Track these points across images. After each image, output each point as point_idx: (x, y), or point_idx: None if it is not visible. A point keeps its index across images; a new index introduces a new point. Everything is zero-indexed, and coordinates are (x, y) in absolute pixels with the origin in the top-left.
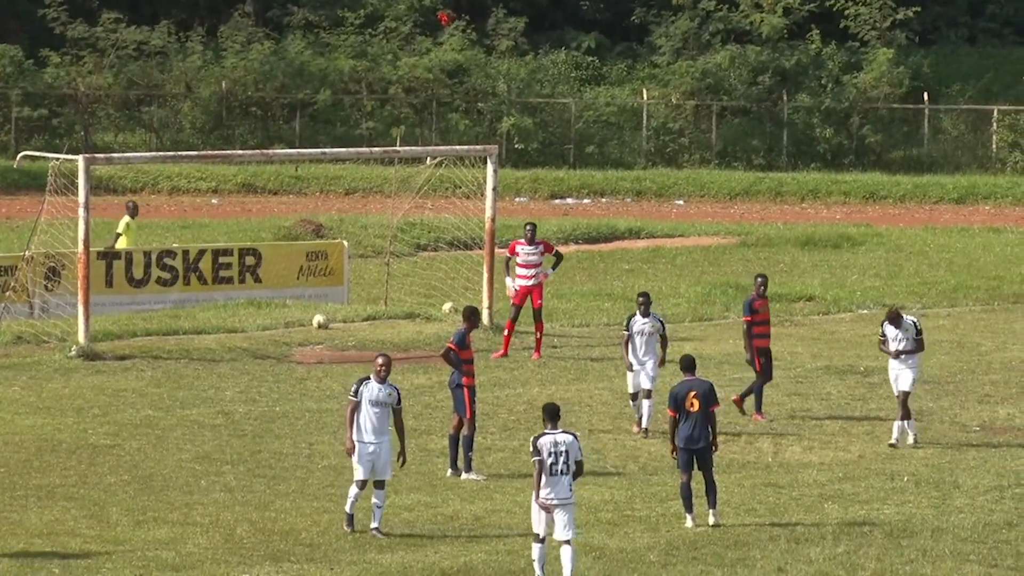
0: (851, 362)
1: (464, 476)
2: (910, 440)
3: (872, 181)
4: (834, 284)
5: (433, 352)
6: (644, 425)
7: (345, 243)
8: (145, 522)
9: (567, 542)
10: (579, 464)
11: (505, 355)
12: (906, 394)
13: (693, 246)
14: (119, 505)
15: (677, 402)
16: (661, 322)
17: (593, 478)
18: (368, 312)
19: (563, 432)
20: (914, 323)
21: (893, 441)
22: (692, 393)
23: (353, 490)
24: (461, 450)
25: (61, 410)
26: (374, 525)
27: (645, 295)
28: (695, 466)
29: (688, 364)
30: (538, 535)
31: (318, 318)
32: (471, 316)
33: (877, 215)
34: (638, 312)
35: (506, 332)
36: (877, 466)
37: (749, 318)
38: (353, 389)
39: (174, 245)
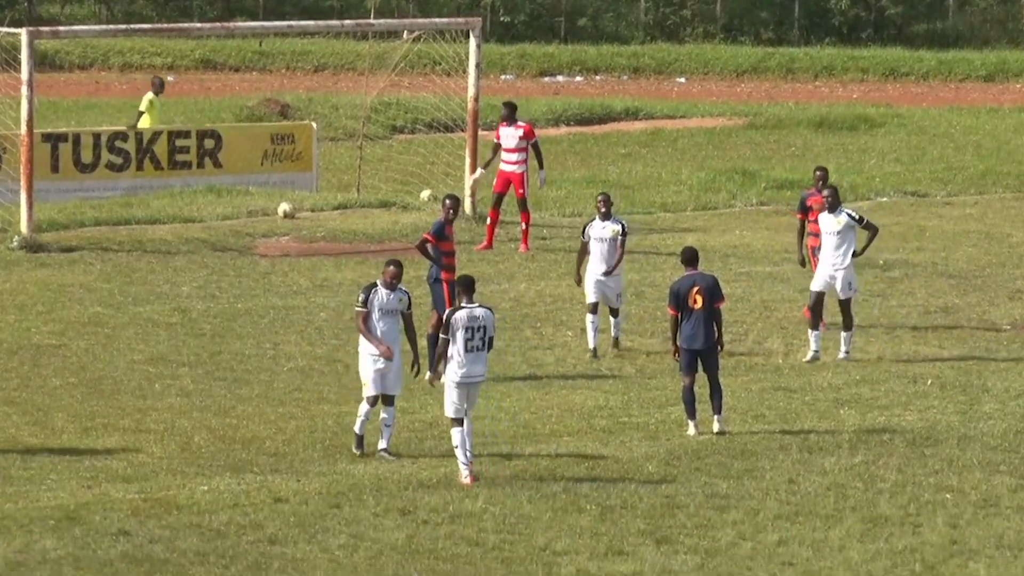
0: (869, 255)
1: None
2: (841, 354)
3: (892, 57)
4: (851, 170)
5: (410, 244)
6: (614, 334)
7: (314, 125)
8: (93, 429)
9: (468, 415)
10: (491, 340)
11: (489, 247)
12: (847, 300)
13: (696, 128)
14: (65, 411)
15: (679, 299)
16: (622, 225)
17: (586, 382)
18: (339, 200)
19: (480, 306)
20: (849, 215)
21: (841, 356)
22: (695, 289)
23: (363, 408)
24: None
25: (1, 307)
26: (382, 445)
27: (605, 196)
28: (698, 368)
29: (690, 257)
30: (459, 419)
31: (284, 207)
32: (451, 205)
33: (898, 94)
34: (597, 216)
35: (488, 222)
36: (898, 368)
37: (802, 215)
38: (361, 299)
39: (125, 127)
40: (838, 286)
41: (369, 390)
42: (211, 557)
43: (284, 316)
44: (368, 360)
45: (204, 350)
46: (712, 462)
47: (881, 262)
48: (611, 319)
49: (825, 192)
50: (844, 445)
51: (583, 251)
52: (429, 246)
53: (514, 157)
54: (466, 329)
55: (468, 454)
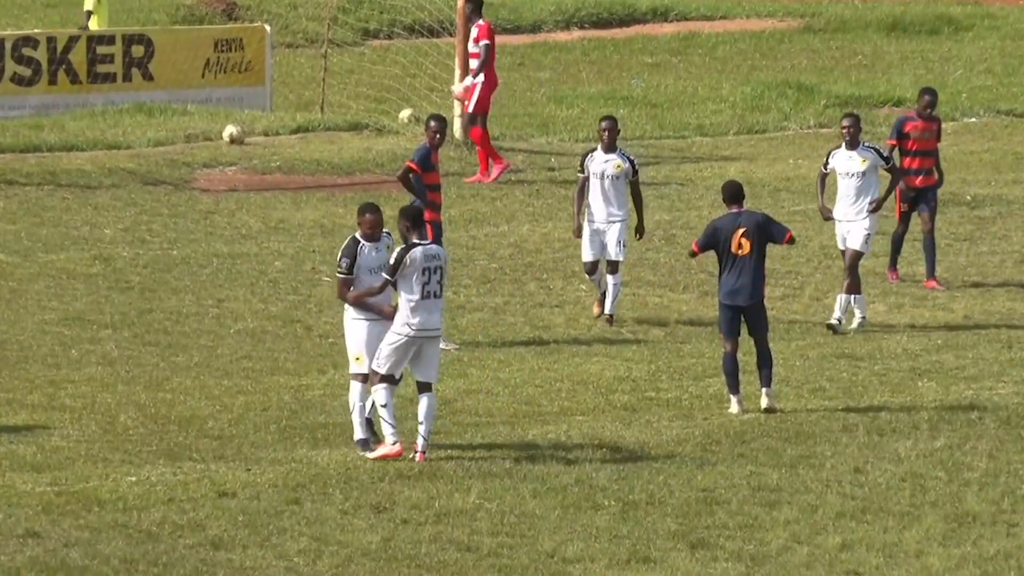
0: (954, 189)
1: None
2: (855, 322)
3: None
4: (931, 83)
5: (387, 176)
6: (608, 310)
7: (267, 28)
8: None
9: (428, 388)
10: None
11: (487, 178)
12: (857, 255)
13: (740, 32)
14: None
15: (716, 240)
16: (632, 162)
17: (604, 348)
18: (298, 122)
19: (432, 242)
20: (875, 150)
21: (833, 321)
22: (740, 231)
23: (355, 391)
24: None
25: None
26: (421, 448)
27: (611, 121)
28: (743, 331)
29: (733, 193)
30: (392, 375)
31: (230, 130)
32: (437, 128)
33: None
34: (599, 146)
35: (479, 148)
36: (990, 332)
37: (894, 141)
38: (345, 264)
39: (35, 30)
40: (853, 242)
41: (359, 364)
42: (140, 564)
43: (230, 266)
44: (361, 327)
45: (132, 308)
46: (759, 447)
47: (969, 198)
48: (607, 280)
49: (845, 121)
50: (923, 426)
51: (581, 190)
52: (413, 177)
53: (472, 64)
54: (423, 271)
55: (425, 433)
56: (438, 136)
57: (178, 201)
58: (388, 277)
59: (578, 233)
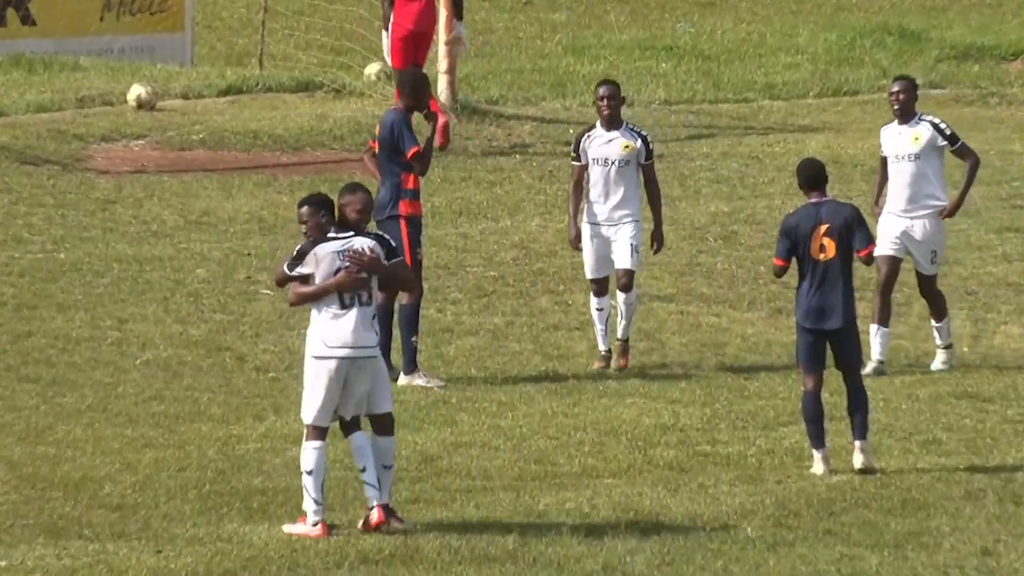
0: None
1: (404, 381)
2: (937, 361)
3: None
4: None
5: (349, 153)
6: (621, 335)
7: None
8: None
9: (385, 426)
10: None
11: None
12: (930, 279)
13: None
14: None
15: (795, 244)
16: (644, 140)
17: (641, 385)
18: (229, 80)
19: (361, 235)
20: (934, 125)
21: (937, 363)
22: (823, 228)
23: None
24: (400, 333)
25: None
26: (375, 503)
27: (609, 86)
28: (829, 362)
29: (813, 175)
30: (319, 426)
31: (138, 91)
32: (415, 87)
33: None
34: (598, 122)
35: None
36: None
37: None
38: (287, 263)
39: None
40: (915, 251)
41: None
42: None
43: (137, 274)
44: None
45: (2, 331)
46: (853, 520)
47: None
48: (618, 298)
49: (895, 86)
50: None
51: (579, 183)
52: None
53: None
54: (339, 271)
55: (374, 492)
56: (418, 100)
57: (67, 186)
58: (287, 271)
59: (577, 242)
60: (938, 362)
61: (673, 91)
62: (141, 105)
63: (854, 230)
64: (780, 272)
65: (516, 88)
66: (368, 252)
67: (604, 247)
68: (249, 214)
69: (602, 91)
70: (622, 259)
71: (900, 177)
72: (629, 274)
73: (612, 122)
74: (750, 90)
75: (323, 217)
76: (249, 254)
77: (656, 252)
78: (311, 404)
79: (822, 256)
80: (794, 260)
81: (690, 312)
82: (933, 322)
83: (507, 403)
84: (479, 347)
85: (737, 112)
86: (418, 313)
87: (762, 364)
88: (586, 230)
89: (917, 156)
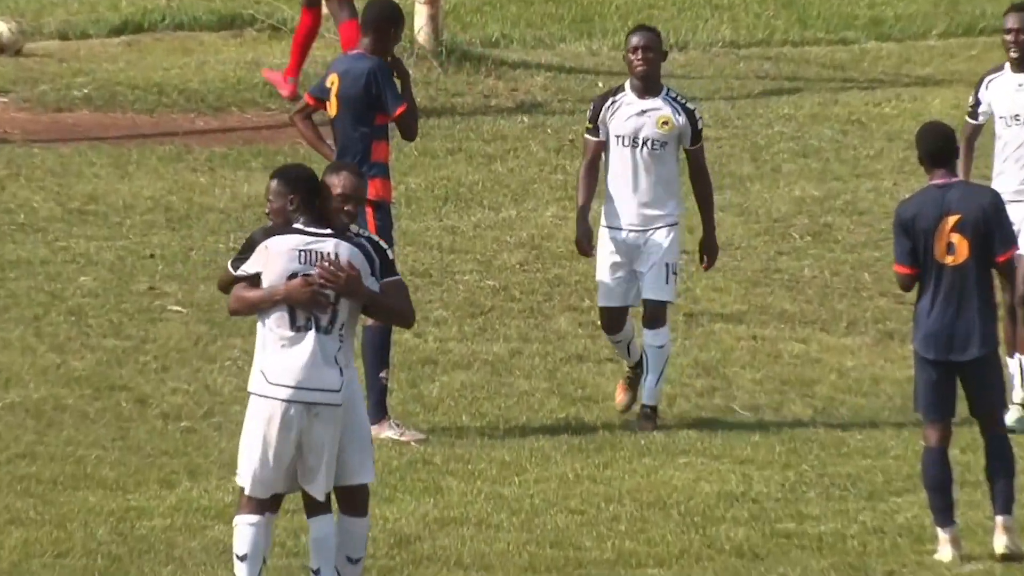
0: None
1: (375, 433)
2: (1015, 404)
3: None
4: None
5: (283, 113)
6: (646, 400)
7: None
8: None
9: (352, 502)
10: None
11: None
12: None
13: None
14: None
15: (913, 243)
16: (690, 114)
17: (697, 438)
18: (124, 14)
19: (344, 237)
20: None
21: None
22: (952, 219)
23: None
24: (362, 366)
25: None
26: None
27: (646, 33)
28: (958, 407)
29: (938, 147)
30: (254, 496)
31: None
32: (391, 22)
33: None
34: (627, 82)
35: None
36: None
37: None
38: (232, 259)
39: None
40: None
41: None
42: None
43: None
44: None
45: None
46: None
47: None
48: (643, 335)
49: (1010, 20)
50: None
51: (592, 166)
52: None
53: None
54: (292, 276)
55: None
56: (386, 37)
57: None
58: (230, 269)
59: (586, 245)
60: (1010, 418)
61: (743, 29)
62: (2, 49)
63: (991, 227)
64: (907, 283)
65: (524, 25)
66: (344, 263)
67: (626, 263)
68: (152, 200)
69: (635, 40)
70: (652, 286)
71: (1015, 145)
72: (660, 307)
73: (647, 85)
74: (849, 27)
75: (293, 202)
76: (152, 255)
77: (707, 267)
78: (245, 462)
79: (949, 259)
80: None
81: (766, 337)
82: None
83: (512, 464)
84: (473, 385)
85: (831, 58)
86: (389, 339)
87: (866, 409)
88: (603, 237)
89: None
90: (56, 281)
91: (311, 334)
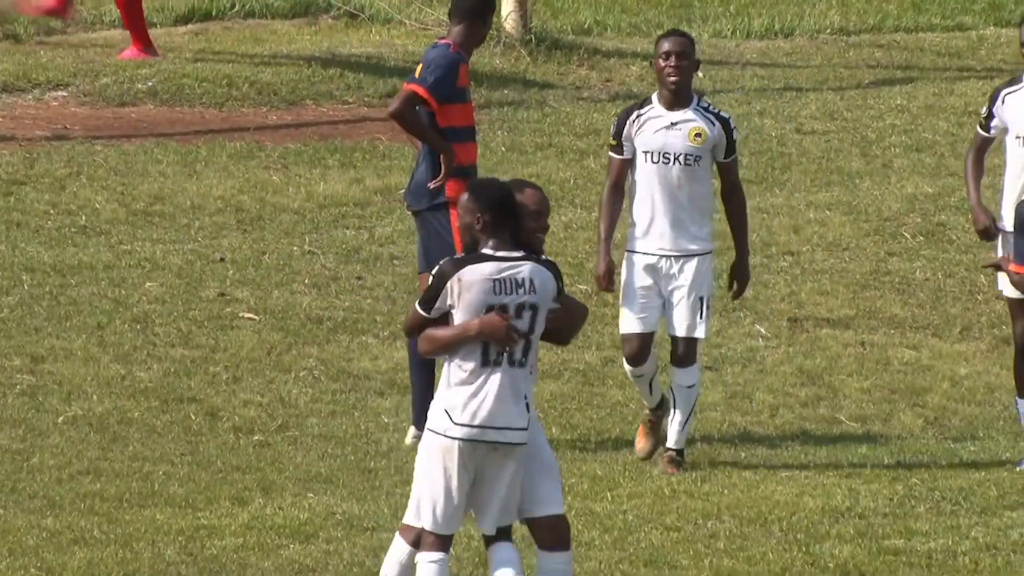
0: None
1: (411, 440)
2: None
3: None
4: None
5: (370, 109)
6: (672, 443)
7: None
8: None
9: (549, 534)
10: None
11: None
12: None
13: None
14: None
15: None
16: (725, 123)
17: (800, 451)
18: (190, 1)
19: (528, 257)
20: None
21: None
22: None
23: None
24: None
25: None
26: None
27: (677, 38)
28: None
29: None
30: (439, 533)
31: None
32: (470, 10)
33: None
34: (656, 94)
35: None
36: None
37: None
38: (419, 299)
39: None
40: None
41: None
42: None
43: (58, 290)
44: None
45: None
46: None
47: None
48: (672, 379)
49: None
50: None
51: (616, 188)
52: (422, 112)
53: None
54: (489, 308)
55: None
56: (475, 31)
57: None
58: (420, 312)
59: (607, 279)
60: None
61: (853, 14)
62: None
63: None
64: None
65: (618, 12)
66: (539, 288)
67: (653, 290)
68: (222, 200)
69: (667, 45)
70: (682, 321)
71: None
72: (691, 344)
73: (678, 96)
74: (966, 12)
75: (480, 221)
76: (223, 259)
77: (735, 296)
78: (427, 500)
79: None
80: None
81: (875, 343)
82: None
83: (604, 478)
84: (564, 396)
85: (947, 45)
86: None
87: (980, 419)
88: (630, 265)
89: None
90: (120, 287)
91: (502, 369)
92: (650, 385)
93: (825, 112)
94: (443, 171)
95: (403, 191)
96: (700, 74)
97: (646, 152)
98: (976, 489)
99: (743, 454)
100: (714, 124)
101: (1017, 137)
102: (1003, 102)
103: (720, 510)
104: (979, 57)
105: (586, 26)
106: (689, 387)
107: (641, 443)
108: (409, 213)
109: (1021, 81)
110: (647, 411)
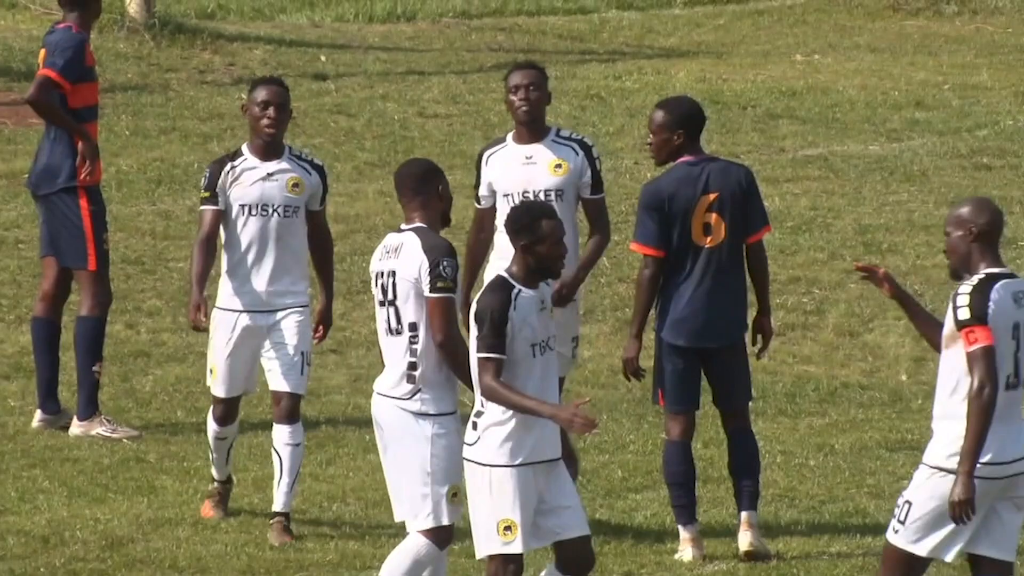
0: None
1: (79, 429)
2: None
3: None
4: None
5: (15, 96)
6: (280, 508)
7: None
8: None
9: (575, 562)
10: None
11: None
12: None
13: None
14: None
15: (666, 222)
16: (588, 150)
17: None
18: None
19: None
20: None
21: None
22: (710, 198)
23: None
24: (75, 359)
25: None
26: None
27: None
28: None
29: (690, 118)
30: (515, 557)
31: None
32: None
33: None
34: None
35: None
36: None
37: None
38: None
39: None
40: None
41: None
42: None
43: None
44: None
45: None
46: None
47: None
48: (275, 431)
49: None
50: None
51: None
52: (54, 92)
53: None
54: (541, 347)
55: None
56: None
57: None
58: (490, 353)
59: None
60: None
61: None
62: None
63: (747, 204)
64: (655, 267)
65: None
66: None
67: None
68: None
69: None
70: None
71: None
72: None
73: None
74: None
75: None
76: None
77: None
78: (495, 536)
79: (707, 241)
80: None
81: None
82: None
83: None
84: (188, 379)
85: (569, 28)
86: (103, 330)
87: (603, 401)
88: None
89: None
90: None
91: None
92: (228, 452)
93: (448, 96)
94: (81, 153)
95: (27, 175)
96: (322, 57)
97: (506, 195)
98: (600, 471)
99: (367, 437)
100: (577, 153)
101: (505, 195)
102: (487, 163)
103: (345, 492)
104: (601, 40)
105: (209, 10)
106: (296, 445)
107: (208, 511)
108: (34, 197)
109: (505, 140)
110: (216, 481)
